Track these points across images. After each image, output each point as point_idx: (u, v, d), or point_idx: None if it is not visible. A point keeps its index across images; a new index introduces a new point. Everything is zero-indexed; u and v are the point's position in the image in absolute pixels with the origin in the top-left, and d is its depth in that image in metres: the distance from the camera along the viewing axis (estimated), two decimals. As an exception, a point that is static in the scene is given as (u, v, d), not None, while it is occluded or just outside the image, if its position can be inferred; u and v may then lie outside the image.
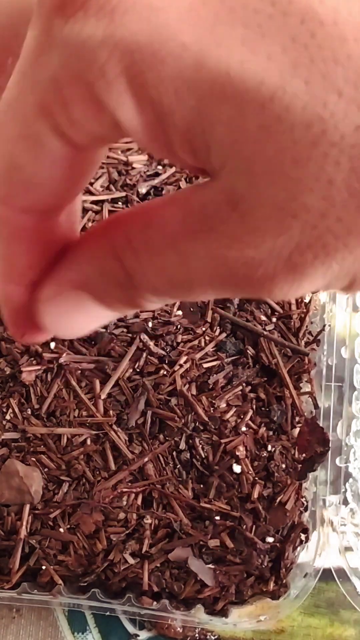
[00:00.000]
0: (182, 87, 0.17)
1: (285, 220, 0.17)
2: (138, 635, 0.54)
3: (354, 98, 0.16)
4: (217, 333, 0.57)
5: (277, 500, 0.51)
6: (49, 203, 0.21)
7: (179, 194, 0.21)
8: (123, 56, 0.17)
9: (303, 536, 0.51)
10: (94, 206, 0.62)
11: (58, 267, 0.23)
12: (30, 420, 0.53)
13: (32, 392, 0.54)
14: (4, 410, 0.54)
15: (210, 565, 0.50)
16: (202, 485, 0.52)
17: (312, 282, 0.18)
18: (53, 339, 0.56)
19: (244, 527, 0.50)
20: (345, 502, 0.52)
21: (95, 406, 0.53)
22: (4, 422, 0.53)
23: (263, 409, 0.54)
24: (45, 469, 0.52)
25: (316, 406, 0.54)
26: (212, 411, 0.53)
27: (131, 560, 0.50)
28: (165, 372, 0.55)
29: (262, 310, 0.57)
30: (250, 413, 0.53)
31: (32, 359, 0.55)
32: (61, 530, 0.50)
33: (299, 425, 0.54)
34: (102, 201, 0.62)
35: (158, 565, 0.50)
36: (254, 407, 0.54)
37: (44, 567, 0.50)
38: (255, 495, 0.51)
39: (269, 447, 0.52)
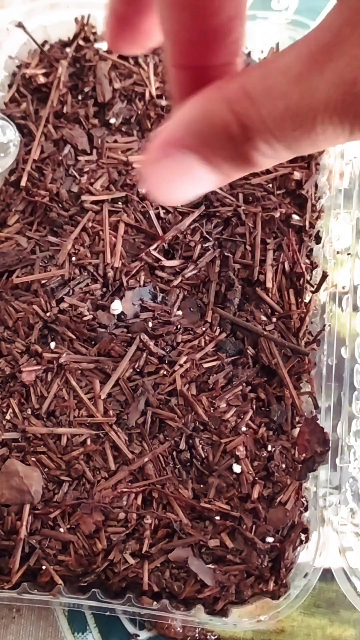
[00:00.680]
0: None
1: None
2: (138, 635, 0.54)
3: None
4: (217, 333, 0.57)
5: (277, 500, 0.51)
6: None
7: (296, 42, 0.21)
8: None
9: (303, 536, 0.51)
10: (94, 206, 0.62)
11: (167, 128, 0.23)
12: (30, 420, 0.53)
13: (32, 392, 0.54)
14: (4, 410, 0.54)
15: (210, 565, 0.50)
16: (202, 485, 0.52)
17: None
18: (53, 339, 0.56)
19: (244, 527, 0.50)
20: (345, 502, 0.52)
21: (95, 406, 0.53)
22: (4, 422, 0.53)
23: (263, 409, 0.54)
24: (45, 469, 0.52)
25: (316, 406, 0.54)
26: (212, 411, 0.53)
27: (131, 560, 0.50)
28: (165, 372, 0.55)
29: (262, 310, 0.57)
30: (250, 413, 0.53)
31: (32, 358, 0.55)
32: (61, 530, 0.50)
33: (299, 425, 0.54)
34: (102, 201, 0.62)
35: (158, 565, 0.50)
36: (254, 407, 0.54)
37: (44, 567, 0.50)
38: (255, 495, 0.51)
39: (269, 447, 0.52)
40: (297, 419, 0.54)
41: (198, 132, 0.22)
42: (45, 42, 0.71)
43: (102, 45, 0.69)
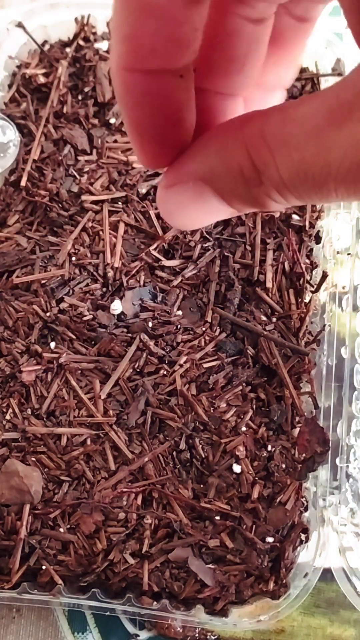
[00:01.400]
0: None
1: None
2: (138, 635, 0.54)
3: None
4: (217, 333, 0.57)
5: (277, 500, 0.51)
6: None
7: (318, 92, 0.21)
8: None
9: (303, 536, 0.51)
10: (94, 206, 0.62)
11: (184, 157, 0.23)
12: (30, 420, 0.53)
13: (32, 392, 0.54)
14: (4, 410, 0.54)
15: (210, 565, 0.50)
16: (202, 485, 0.52)
17: None
18: (53, 339, 0.56)
19: (244, 527, 0.50)
20: (345, 502, 0.52)
21: (95, 406, 0.53)
22: (4, 422, 0.53)
23: (263, 409, 0.54)
24: (45, 469, 0.52)
25: (316, 406, 0.54)
26: (212, 411, 0.53)
27: (131, 560, 0.50)
28: (165, 372, 0.55)
29: (262, 310, 0.57)
30: (250, 413, 0.53)
31: (32, 358, 0.55)
32: (61, 530, 0.50)
33: (299, 425, 0.53)
34: (102, 201, 0.62)
35: (158, 565, 0.50)
36: (254, 407, 0.54)
37: (44, 567, 0.50)
38: (255, 495, 0.51)
39: (269, 447, 0.52)
40: (297, 419, 0.54)
41: (214, 169, 0.22)
42: (45, 42, 0.71)
43: (102, 45, 0.69)
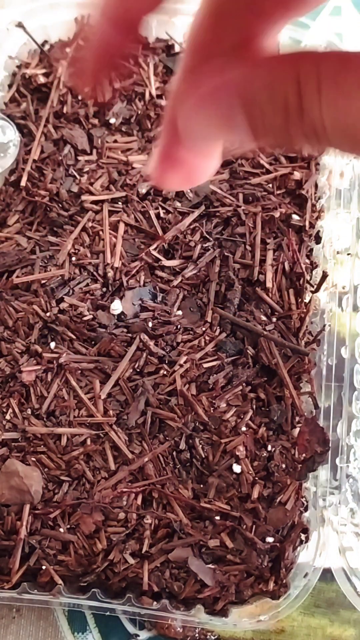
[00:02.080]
0: None
1: None
2: (138, 635, 0.54)
3: None
4: (217, 333, 0.57)
5: (277, 500, 0.51)
6: None
7: None
8: None
9: (303, 536, 0.51)
10: (94, 206, 0.62)
11: (225, 74, 0.22)
12: (30, 420, 0.53)
13: (32, 392, 0.54)
14: (4, 410, 0.54)
15: (210, 565, 0.50)
16: (202, 485, 0.52)
17: None
18: (53, 339, 0.56)
19: (244, 527, 0.50)
20: (345, 502, 0.52)
21: (95, 406, 0.53)
22: (4, 422, 0.53)
23: (263, 409, 0.54)
24: (45, 469, 0.52)
25: (316, 406, 0.54)
26: (212, 411, 0.53)
27: (131, 560, 0.50)
28: (165, 372, 0.55)
29: (262, 310, 0.57)
30: (250, 413, 0.53)
31: (32, 358, 0.55)
32: (61, 530, 0.50)
33: (299, 425, 0.53)
34: (102, 201, 0.62)
35: (158, 565, 0.50)
36: (254, 407, 0.54)
37: (44, 567, 0.50)
38: (255, 495, 0.51)
39: (269, 447, 0.52)
40: (297, 419, 0.54)
41: (256, 93, 0.21)
42: (45, 42, 0.71)
43: (102, 45, 0.69)
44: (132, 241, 0.61)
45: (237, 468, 0.51)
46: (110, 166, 0.64)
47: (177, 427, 0.52)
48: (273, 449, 0.52)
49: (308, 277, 0.59)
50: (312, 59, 0.20)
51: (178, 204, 0.62)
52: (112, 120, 0.66)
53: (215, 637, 0.53)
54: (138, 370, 0.55)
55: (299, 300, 0.58)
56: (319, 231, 0.61)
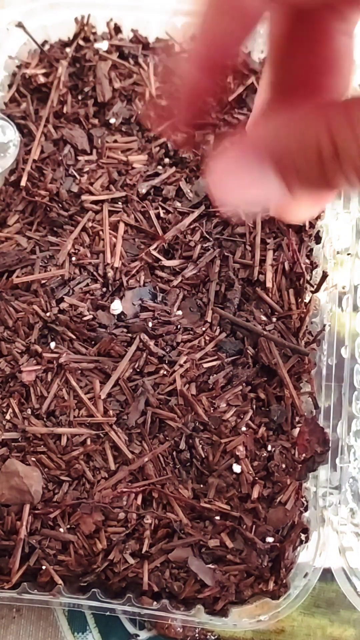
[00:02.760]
0: None
1: None
2: (138, 635, 0.54)
3: None
4: (217, 333, 0.57)
5: (277, 500, 0.51)
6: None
7: None
8: None
9: (303, 536, 0.51)
10: (94, 206, 0.62)
11: (254, 126, 0.23)
12: (30, 420, 0.53)
13: (32, 392, 0.54)
14: (4, 410, 0.54)
15: (210, 565, 0.50)
16: (202, 485, 0.52)
17: None
18: (53, 339, 0.56)
19: (244, 527, 0.50)
20: (345, 502, 0.52)
21: (95, 406, 0.53)
22: (4, 422, 0.53)
23: (263, 409, 0.54)
24: (45, 469, 0.52)
25: (316, 406, 0.54)
26: (212, 411, 0.53)
27: (131, 560, 0.50)
28: (165, 372, 0.55)
29: (262, 310, 0.57)
30: (250, 413, 0.53)
31: (32, 358, 0.55)
32: (61, 530, 0.50)
33: (299, 425, 0.53)
34: (102, 201, 0.62)
35: (158, 565, 0.50)
36: (254, 407, 0.54)
37: (44, 567, 0.50)
38: (255, 495, 0.51)
39: (269, 447, 0.52)
40: (297, 419, 0.54)
41: (287, 144, 0.22)
42: (45, 42, 0.71)
43: (102, 45, 0.69)
44: (132, 241, 0.61)
45: (237, 468, 0.51)
46: (110, 166, 0.64)
47: (177, 427, 0.52)
48: (273, 449, 0.52)
49: (308, 277, 0.59)
50: (339, 105, 0.21)
51: (178, 204, 0.62)
52: (112, 120, 0.66)
53: (215, 637, 0.53)
54: (138, 370, 0.55)
55: (299, 300, 0.58)
56: (319, 231, 0.61)
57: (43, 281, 0.58)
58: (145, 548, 0.50)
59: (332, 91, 0.26)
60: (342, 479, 0.52)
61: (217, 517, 0.50)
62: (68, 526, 0.51)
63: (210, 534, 0.50)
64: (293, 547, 0.51)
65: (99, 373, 0.55)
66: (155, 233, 0.60)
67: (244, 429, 0.53)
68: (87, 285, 0.58)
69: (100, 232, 0.60)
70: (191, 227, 0.60)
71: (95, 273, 0.59)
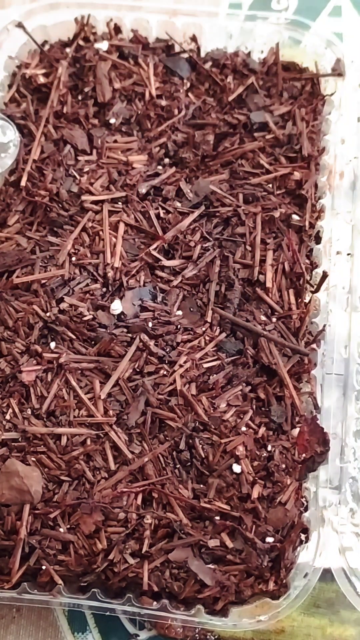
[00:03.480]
0: None
1: None
2: (138, 635, 0.54)
3: None
4: (217, 333, 0.57)
5: (277, 500, 0.51)
6: None
7: None
8: None
9: (303, 536, 0.51)
10: (94, 206, 0.62)
11: None
12: (30, 420, 0.53)
13: (32, 392, 0.54)
14: (4, 410, 0.54)
15: (210, 565, 0.50)
16: (202, 485, 0.52)
17: None
18: (53, 339, 0.56)
19: (244, 527, 0.50)
20: (345, 502, 0.52)
21: (95, 406, 0.53)
22: (4, 422, 0.53)
23: (263, 409, 0.54)
24: (45, 469, 0.52)
25: (316, 406, 0.54)
26: (212, 411, 0.53)
27: (131, 560, 0.50)
28: (165, 372, 0.55)
29: (262, 310, 0.57)
30: (250, 413, 0.53)
31: (32, 358, 0.55)
32: (61, 530, 0.50)
33: (299, 425, 0.53)
34: (102, 201, 0.62)
35: (158, 565, 0.50)
36: (254, 407, 0.54)
37: (44, 567, 0.50)
38: (255, 495, 0.51)
39: (269, 447, 0.52)
40: (297, 419, 0.54)
41: None
42: (45, 42, 0.71)
43: (102, 45, 0.69)
44: (132, 241, 0.61)
45: (237, 468, 0.51)
46: (110, 166, 0.64)
47: (177, 427, 0.52)
48: (273, 449, 0.52)
49: (308, 277, 0.59)
50: None
51: (178, 204, 0.62)
52: (112, 120, 0.66)
53: (215, 637, 0.53)
54: (138, 370, 0.55)
55: (299, 300, 0.58)
56: (319, 231, 0.61)
57: (43, 281, 0.58)
58: (145, 548, 0.50)
59: None
60: (342, 479, 0.52)
61: (217, 517, 0.50)
62: (68, 526, 0.51)
63: (210, 534, 0.50)
64: (293, 547, 0.51)
65: (99, 373, 0.55)
66: (155, 233, 0.60)
67: (244, 429, 0.53)
68: (87, 285, 0.58)
69: (100, 232, 0.60)
70: (191, 227, 0.60)
71: (95, 273, 0.59)
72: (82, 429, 0.53)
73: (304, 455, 0.53)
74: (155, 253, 0.59)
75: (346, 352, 0.56)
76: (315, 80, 0.68)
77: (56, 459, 0.52)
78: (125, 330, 0.56)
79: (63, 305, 0.57)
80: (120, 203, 0.62)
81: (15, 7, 0.73)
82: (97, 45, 0.70)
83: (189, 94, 0.68)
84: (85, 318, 0.56)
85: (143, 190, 0.62)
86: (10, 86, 0.69)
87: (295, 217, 0.61)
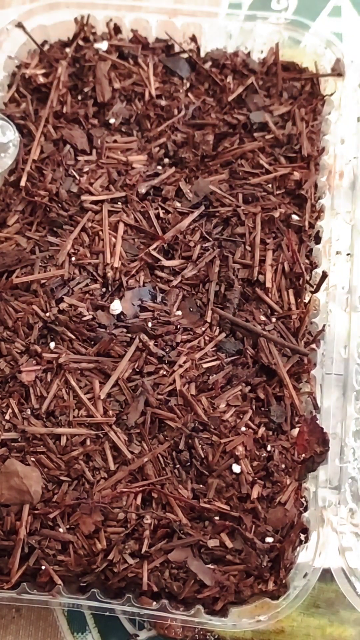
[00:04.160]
0: None
1: None
2: (138, 635, 0.54)
3: None
4: (216, 333, 0.57)
5: (277, 500, 0.51)
6: None
7: None
8: None
9: (303, 536, 0.51)
10: (93, 206, 0.62)
11: None
12: (29, 420, 0.53)
13: (31, 392, 0.54)
14: (4, 410, 0.54)
15: (210, 565, 0.50)
16: (201, 485, 0.52)
17: None
18: (52, 339, 0.56)
19: (244, 527, 0.50)
20: (345, 502, 0.52)
21: (95, 406, 0.53)
22: (4, 422, 0.53)
23: (263, 409, 0.54)
24: (45, 469, 0.52)
25: (316, 406, 0.54)
26: (211, 411, 0.53)
27: (130, 561, 0.50)
28: (164, 372, 0.55)
29: (261, 310, 0.57)
30: (250, 413, 0.53)
31: (32, 358, 0.55)
32: (61, 530, 0.50)
33: (299, 425, 0.53)
34: (102, 201, 0.62)
35: (157, 565, 0.50)
36: (254, 407, 0.54)
37: (43, 567, 0.50)
38: (255, 495, 0.51)
39: (269, 447, 0.52)
40: (297, 419, 0.54)
41: None
42: (45, 42, 0.71)
43: (102, 45, 0.70)
44: (131, 241, 0.61)
45: (236, 468, 0.51)
46: (110, 166, 0.64)
47: (176, 427, 0.52)
48: (272, 449, 0.52)
49: (308, 277, 0.59)
50: None
51: (178, 204, 0.62)
52: (112, 120, 0.66)
53: (215, 637, 0.53)
54: (138, 370, 0.55)
55: (299, 300, 0.58)
56: (318, 231, 0.61)
57: (43, 281, 0.58)
58: (144, 548, 0.50)
59: None
60: (341, 479, 0.52)
61: (217, 517, 0.50)
62: (67, 526, 0.51)
63: (209, 534, 0.50)
64: (293, 547, 0.51)
65: (98, 373, 0.55)
66: (154, 233, 0.60)
67: (243, 429, 0.53)
68: (87, 285, 0.58)
69: (100, 232, 0.60)
70: (191, 227, 0.60)
71: (94, 273, 0.59)
72: (82, 429, 0.53)
73: (303, 455, 0.53)
74: (154, 253, 0.59)
75: (346, 352, 0.56)
76: (315, 80, 0.68)
77: (56, 459, 0.52)
78: (124, 330, 0.56)
79: (63, 306, 0.57)
80: (119, 203, 0.62)
81: (15, 7, 0.73)
82: (96, 45, 0.70)
83: (189, 94, 0.68)
84: (84, 318, 0.56)
85: (143, 190, 0.62)
86: (10, 86, 0.69)
87: (294, 217, 0.61)
